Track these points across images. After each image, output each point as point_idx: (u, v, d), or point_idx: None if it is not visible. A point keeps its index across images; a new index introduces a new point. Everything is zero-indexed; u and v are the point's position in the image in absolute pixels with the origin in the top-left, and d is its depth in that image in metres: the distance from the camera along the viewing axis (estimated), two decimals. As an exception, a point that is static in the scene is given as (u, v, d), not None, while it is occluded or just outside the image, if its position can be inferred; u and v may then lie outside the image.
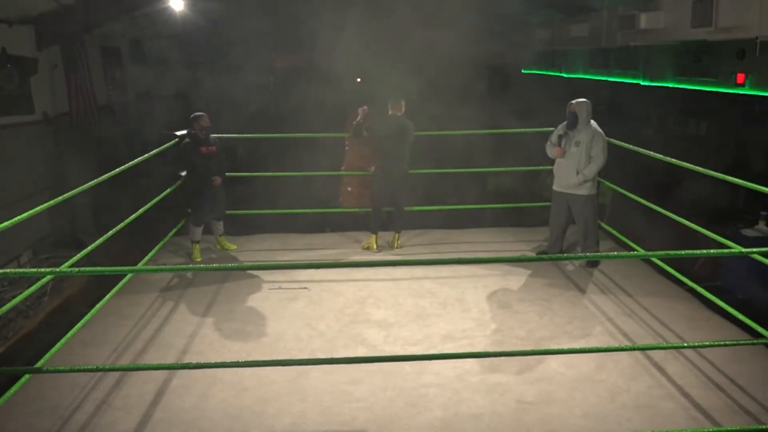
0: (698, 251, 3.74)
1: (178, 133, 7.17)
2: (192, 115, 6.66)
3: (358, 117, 7.10)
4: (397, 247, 7.18)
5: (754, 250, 3.95)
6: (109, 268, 3.75)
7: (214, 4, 9.43)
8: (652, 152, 5.94)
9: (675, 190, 8.10)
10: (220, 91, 11.27)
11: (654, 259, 6.19)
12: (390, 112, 6.96)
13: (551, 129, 6.74)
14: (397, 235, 7.24)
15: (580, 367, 4.58)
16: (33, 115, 7.44)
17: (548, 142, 6.56)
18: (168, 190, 7.01)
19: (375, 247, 7.14)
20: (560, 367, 4.59)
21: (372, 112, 7.15)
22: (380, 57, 11.48)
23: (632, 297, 5.81)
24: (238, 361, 4.49)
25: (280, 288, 6.11)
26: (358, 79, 14.40)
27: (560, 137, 6.37)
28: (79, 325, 4.93)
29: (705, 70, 6.31)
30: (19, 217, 3.86)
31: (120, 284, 5.74)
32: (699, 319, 5.34)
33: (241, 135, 7.71)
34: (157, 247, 6.82)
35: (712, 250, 3.82)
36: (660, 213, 5.99)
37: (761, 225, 6.90)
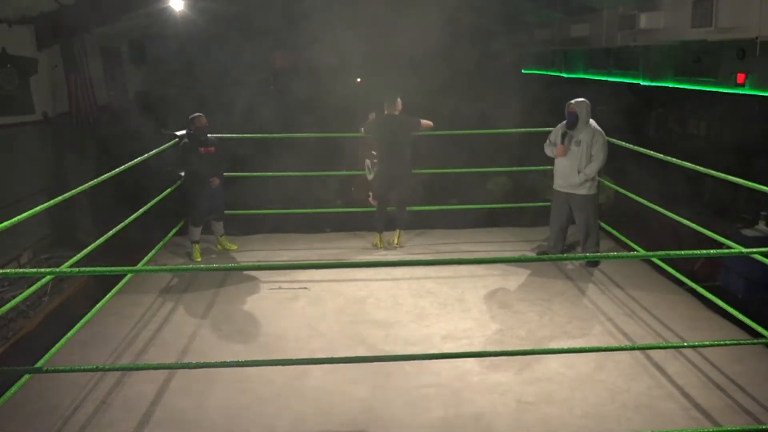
0: (698, 251, 3.74)
1: (179, 133, 7.18)
2: (190, 116, 6.66)
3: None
4: (397, 245, 7.16)
5: (754, 250, 3.94)
6: (109, 268, 3.75)
7: (214, 4, 9.44)
8: (652, 152, 5.94)
9: (675, 190, 8.11)
10: (219, 91, 11.28)
11: (654, 259, 6.18)
12: (386, 112, 6.93)
13: (549, 129, 6.74)
14: (398, 231, 7.21)
15: (580, 367, 4.58)
16: (33, 115, 7.45)
17: (547, 142, 6.55)
18: (168, 190, 7.01)
19: (380, 245, 7.15)
20: (560, 367, 4.59)
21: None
22: (380, 57, 11.50)
23: (632, 297, 5.81)
24: (238, 361, 4.48)
25: (280, 288, 6.11)
26: (359, 79, 14.42)
27: (563, 136, 6.36)
28: (79, 325, 4.94)
29: (705, 70, 6.31)
30: (19, 217, 3.86)
31: (120, 284, 5.74)
32: (699, 319, 5.34)
33: (240, 135, 7.71)
34: (157, 247, 6.82)
35: (712, 250, 3.81)
36: (660, 213, 5.99)
37: (761, 225, 6.91)
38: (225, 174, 6.95)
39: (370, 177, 7.34)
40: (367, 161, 7.27)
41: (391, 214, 7.28)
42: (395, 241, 7.20)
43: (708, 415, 4.04)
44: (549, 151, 6.52)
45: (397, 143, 6.87)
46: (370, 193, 7.93)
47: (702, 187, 8.89)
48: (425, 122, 6.96)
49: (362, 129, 7.12)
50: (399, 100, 6.94)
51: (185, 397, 4.32)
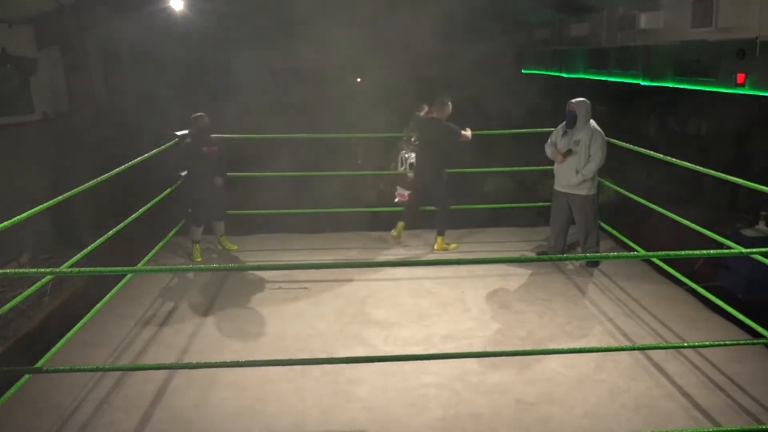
0: (698, 251, 3.74)
1: (178, 133, 7.17)
2: (192, 116, 6.65)
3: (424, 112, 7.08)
4: (437, 249, 7.05)
5: (754, 250, 3.94)
6: (109, 268, 3.75)
7: (214, 4, 9.43)
8: (652, 152, 5.94)
9: (675, 190, 8.11)
10: (219, 91, 11.26)
11: (654, 259, 6.18)
12: (433, 115, 6.90)
13: (550, 129, 6.74)
14: (438, 238, 7.09)
15: (580, 367, 4.58)
16: (33, 115, 7.44)
17: (548, 142, 6.54)
18: (168, 190, 7.01)
19: (397, 234, 7.16)
20: (560, 367, 4.59)
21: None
22: (379, 58, 11.49)
23: (632, 297, 5.81)
24: (238, 361, 4.49)
25: (280, 288, 6.11)
26: (358, 80, 14.41)
27: (563, 136, 6.34)
28: (79, 325, 4.94)
29: (705, 70, 6.31)
30: (19, 217, 3.86)
31: (120, 284, 5.74)
32: (699, 319, 5.34)
33: (241, 135, 7.71)
34: (157, 247, 6.82)
35: (712, 250, 3.81)
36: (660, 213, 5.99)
37: (761, 225, 6.91)
38: (227, 174, 6.95)
39: (401, 168, 7.25)
40: (403, 153, 7.18)
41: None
42: (435, 246, 7.10)
43: (708, 415, 4.04)
44: (549, 152, 6.51)
45: (430, 149, 6.85)
46: (398, 188, 7.86)
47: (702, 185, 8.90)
48: (465, 134, 6.83)
49: (410, 123, 7.06)
50: (449, 104, 6.83)
51: (185, 397, 4.32)
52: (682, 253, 3.62)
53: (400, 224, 7.21)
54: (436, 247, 7.11)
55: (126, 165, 5.68)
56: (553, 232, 6.71)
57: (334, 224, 8.21)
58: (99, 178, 5.10)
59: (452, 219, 7.22)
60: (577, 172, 6.27)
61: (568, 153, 6.30)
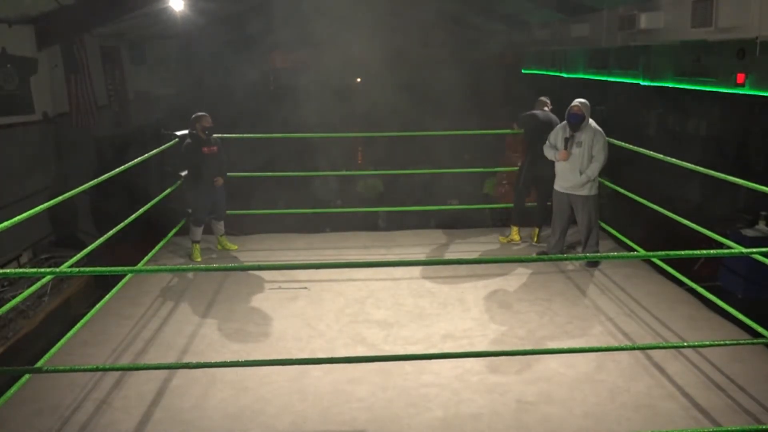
0: (698, 251, 3.74)
1: (179, 133, 7.17)
2: (193, 116, 6.64)
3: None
4: (536, 242, 7.20)
5: (754, 250, 3.94)
6: (109, 268, 3.75)
7: (214, 4, 9.43)
8: (652, 152, 5.94)
9: (674, 190, 8.11)
10: (219, 91, 11.27)
11: (654, 259, 6.18)
12: (545, 108, 7.05)
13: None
14: (537, 230, 7.25)
15: (580, 367, 4.58)
16: (33, 115, 7.44)
17: (547, 144, 6.53)
18: (168, 190, 7.00)
19: (518, 238, 7.27)
20: (560, 367, 4.59)
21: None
22: (379, 58, 11.50)
23: (632, 297, 5.81)
24: (238, 361, 4.49)
25: (280, 288, 6.11)
26: (358, 80, 14.43)
27: (566, 140, 6.33)
28: (79, 325, 4.94)
29: (705, 70, 6.31)
30: (19, 217, 3.86)
31: (120, 284, 5.74)
32: (699, 319, 5.34)
33: (241, 135, 7.71)
34: (157, 247, 6.81)
35: (712, 251, 3.81)
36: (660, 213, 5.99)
37: (761, 225, 6.92)
38: (227, 174, 6.95)
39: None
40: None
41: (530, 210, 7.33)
42: (535, 238, 7.24)
43: (708, 415, 4.04)
44: (550, 153, 6.50)
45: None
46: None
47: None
48: None
49: (527, 121, 7.15)
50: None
51: (185, 397, 4.32)
52: (682, 253, 3.62)
53: (515, 229, 7.30)
54: (537, 240, 7.22)
55: (126, 165, 5.67)
56: (553, 232, 6.70)
57: (334, 224, 8.21)
58: (99, 178, 5.10)
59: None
60: (580, 173, 6.26)
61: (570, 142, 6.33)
